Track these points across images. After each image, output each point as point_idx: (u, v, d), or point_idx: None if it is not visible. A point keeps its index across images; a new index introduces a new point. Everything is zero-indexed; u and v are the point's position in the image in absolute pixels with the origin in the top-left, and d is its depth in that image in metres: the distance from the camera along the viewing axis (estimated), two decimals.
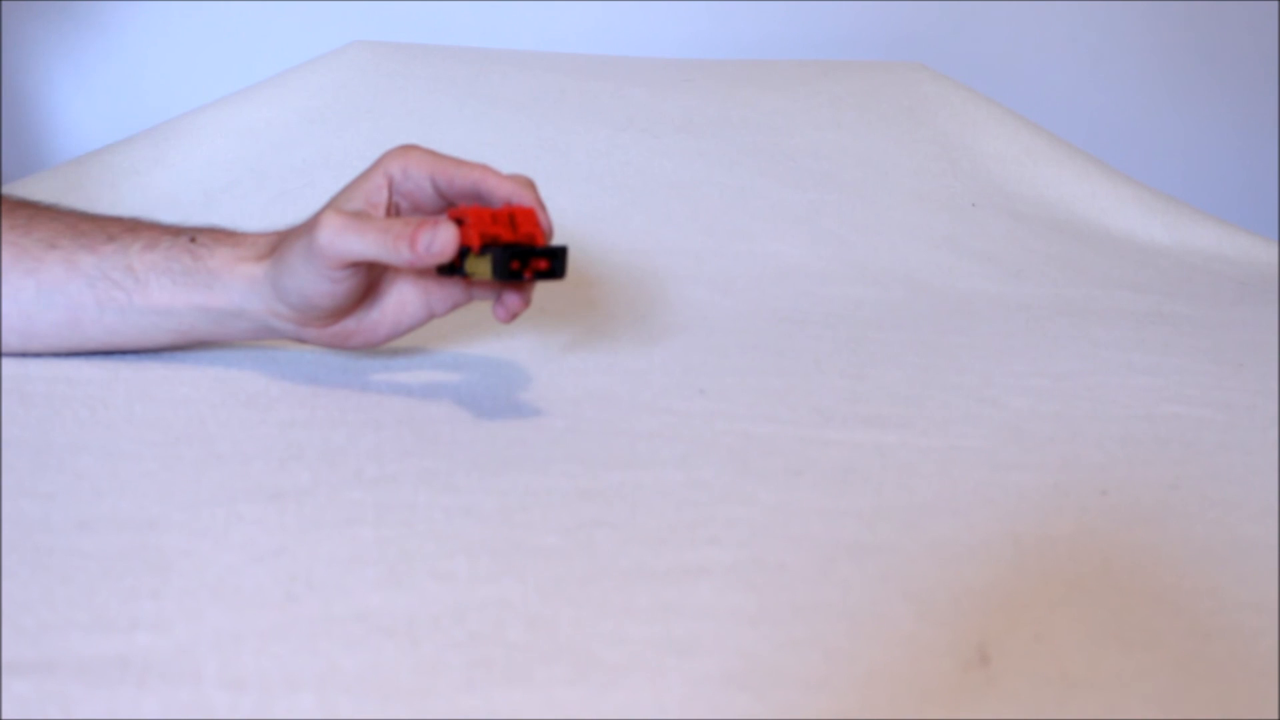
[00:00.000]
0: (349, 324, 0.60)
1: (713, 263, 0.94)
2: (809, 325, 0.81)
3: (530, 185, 0.55)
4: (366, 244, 0.53)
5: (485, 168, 0.55)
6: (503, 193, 0.55)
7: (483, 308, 0.64)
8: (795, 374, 0.69)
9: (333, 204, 0.56)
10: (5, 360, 0.59)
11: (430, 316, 0.61)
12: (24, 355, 0.60)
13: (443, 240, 0.51)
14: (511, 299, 0.57)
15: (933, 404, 0.64)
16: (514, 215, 0.53)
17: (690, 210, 1.01)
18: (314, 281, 0.55)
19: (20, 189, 0.93)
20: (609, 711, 0.33)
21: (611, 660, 0.36)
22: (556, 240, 0.78)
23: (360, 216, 0.54)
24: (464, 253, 0.53)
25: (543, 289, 0.68)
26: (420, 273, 0.59)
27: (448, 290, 0.60)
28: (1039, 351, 0.76)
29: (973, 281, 0.96)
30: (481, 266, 0.53)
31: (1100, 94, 1.45)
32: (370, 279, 0.58)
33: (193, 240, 0.58)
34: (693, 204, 1.01)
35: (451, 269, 0.55)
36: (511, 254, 0.53)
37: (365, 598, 0.39)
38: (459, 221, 0.53)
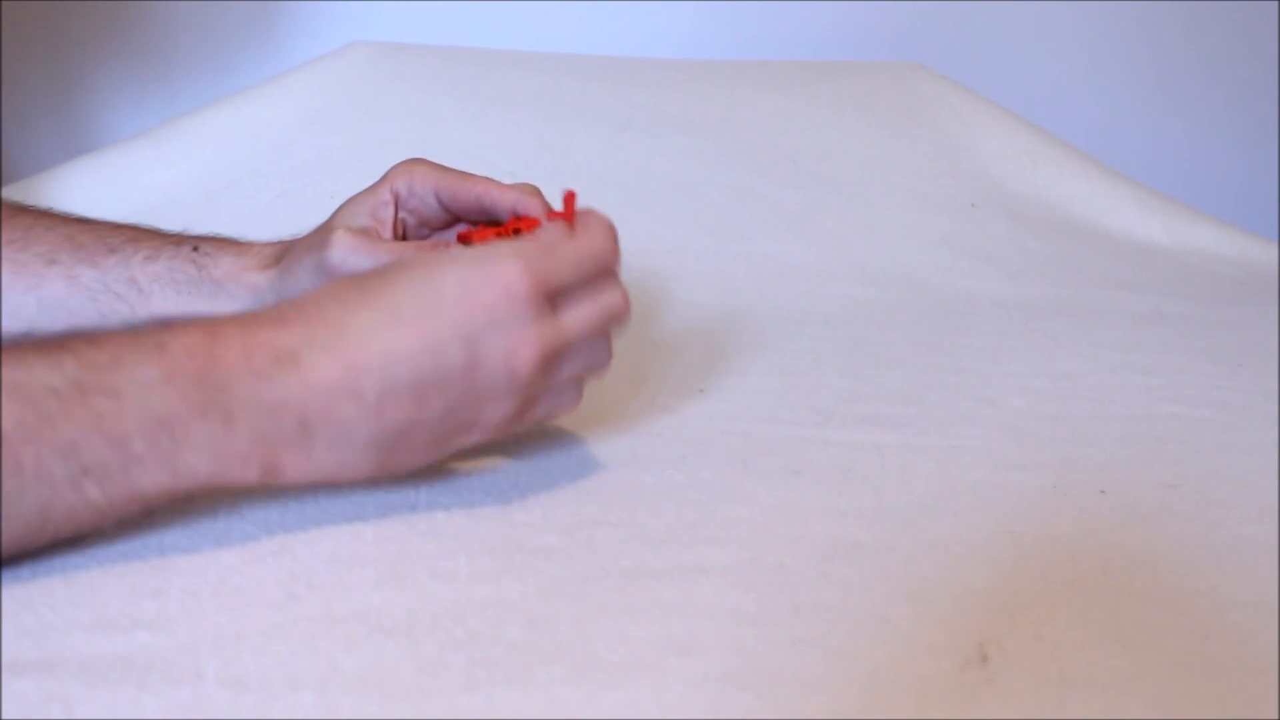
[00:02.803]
0: None
1: (713, 263, 0.94)
2: (809, 325, 0.81)
3: (535, 192, 0.55)
4: (379, 265, 0.52)
5: (489, 181, 0.55)
6: (506, 203, 0.54)
7: None
8: (795, 374, 0.69)
9: (339, 220, 0.56)
10: None
11: None
12: None
13: None
14: None
15: (932, 404, 0.64)
16: (519, 231, 0.53)
17: (690, 210, 1.01)
18: None
19: (21, 191, 0.93)
20: (609, 711, 0.34)
21: (611, 660, 0.36)
22: None
23: (371, 236, 0.54)
24: None
25: None
26: None
27: None
28: (1038, 351, 0.76)
29: (972, 281, 0.96)
30: None
31: (1100, 94, 1.45)
32: None
33: (195, 250, 0.58)
34: (693, 204, 1.02)
35: None
36: None
37: (365, 597, 0.39)
38: (467, 243, 0.53)
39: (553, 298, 0.45)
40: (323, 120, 1.03)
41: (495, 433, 0.46)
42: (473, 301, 0.43)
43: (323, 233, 0.55)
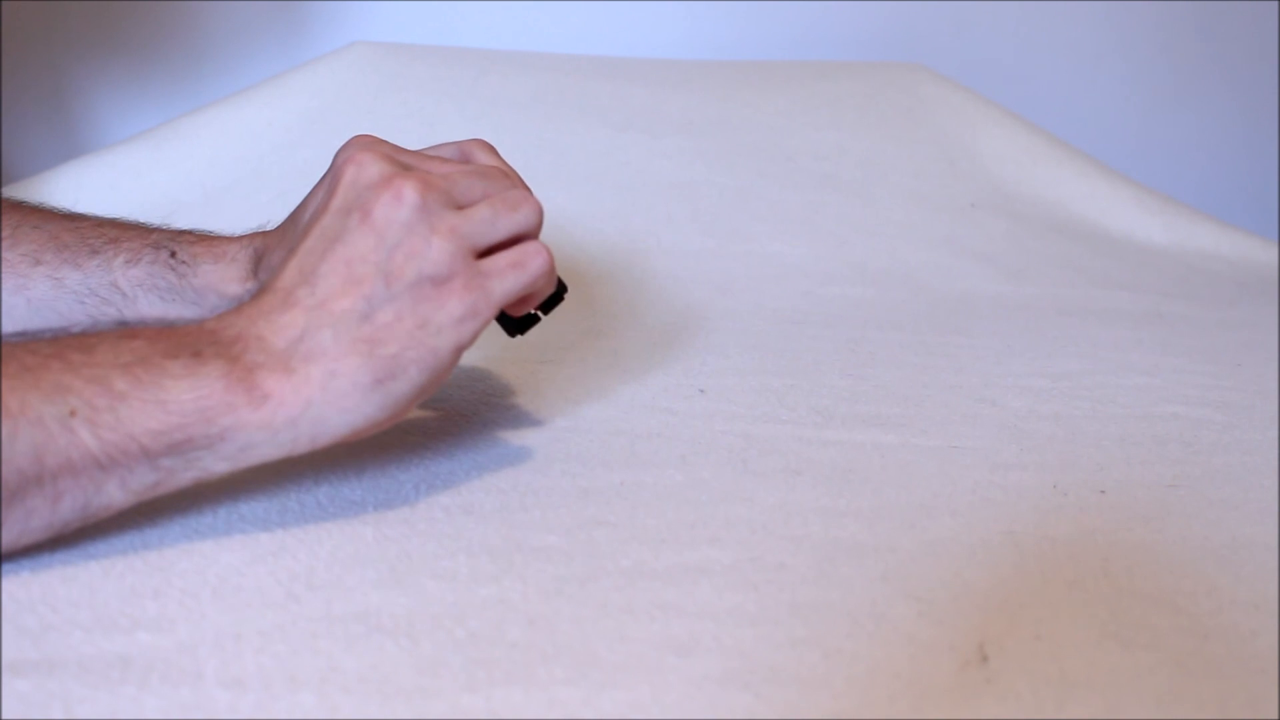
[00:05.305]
0: None
1: (713, 263, 0.94)
2: (809, 325, 0.81)
3: (484, 146, 0.54)
4: None
5: (436, 159, 0.52)
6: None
7: None
8: (795, 374, 0.69)
9: (301, 218, 0.53)
10: None
11: None
12: None
13: None
14: None
15: (932, 404, 0.64)
16: None
17: (690, 210, 1.01)
18: None
19: (20, 191, 0.93)
20: (609, 711, 0.34)
21: (611, 660, 0.36)
22: (551, 237, 0.78)
23: None
24: None
25: None
26: None
27: None
28: (1038, 351, 0.77)
29: (972, 282, 0.96)
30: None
31: (1100, 94, 1.45)
32: None
33: (173, 255, 0.57)
34: (693, 204, 1.02)
35: None
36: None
37: (365, 597, 0.39)
38: None
39: (407, 166, 0.48)
40: (323, 120, 1.03)
41: (469, 292, 0.45)
42: (336, 184, 0.46)
43: (290, 232, 0.54)
